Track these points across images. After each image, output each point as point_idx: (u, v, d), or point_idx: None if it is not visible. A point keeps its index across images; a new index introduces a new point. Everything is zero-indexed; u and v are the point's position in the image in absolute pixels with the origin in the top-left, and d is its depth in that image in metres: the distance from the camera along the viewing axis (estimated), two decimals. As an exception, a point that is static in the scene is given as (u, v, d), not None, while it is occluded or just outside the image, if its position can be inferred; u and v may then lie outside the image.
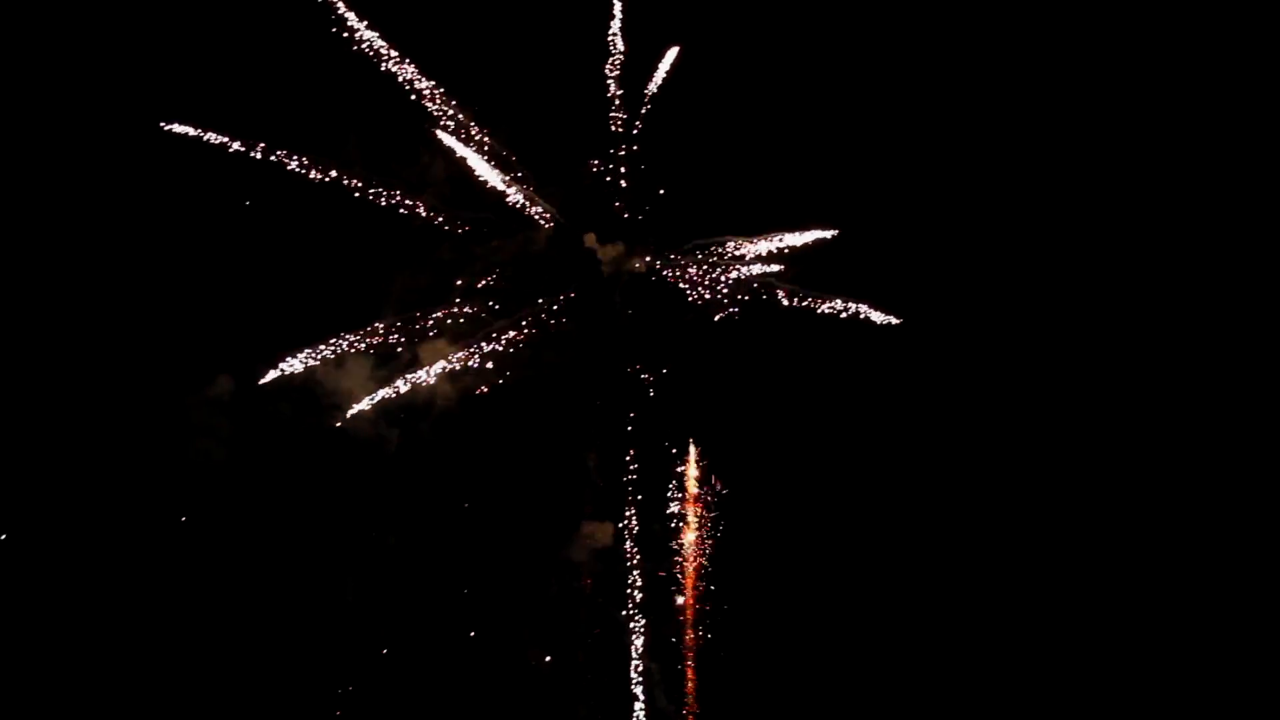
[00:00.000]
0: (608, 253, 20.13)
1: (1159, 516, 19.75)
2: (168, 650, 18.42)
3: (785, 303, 20.05)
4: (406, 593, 19.17)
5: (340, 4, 19.48)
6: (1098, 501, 19.94)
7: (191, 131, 19.06)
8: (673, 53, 20.14)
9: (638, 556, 19.43)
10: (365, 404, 19.12)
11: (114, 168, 19.35)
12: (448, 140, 19.57)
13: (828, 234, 19.98)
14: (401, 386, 19.25)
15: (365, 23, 19.52)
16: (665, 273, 20.38)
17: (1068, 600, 19.58)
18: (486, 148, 19.88)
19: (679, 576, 19.73)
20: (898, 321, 19.92)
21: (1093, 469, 20.07)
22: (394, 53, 19.63)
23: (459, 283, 19.91)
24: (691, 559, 19.77)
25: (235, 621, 18.55)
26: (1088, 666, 19.48)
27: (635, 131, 20.39)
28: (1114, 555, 19.77)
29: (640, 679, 19.02)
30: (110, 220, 19.42)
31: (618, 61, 20.18)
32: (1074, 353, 20.45)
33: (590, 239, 20.08)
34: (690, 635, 19.53)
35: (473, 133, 19.87)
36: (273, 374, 18.89)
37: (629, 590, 19.32)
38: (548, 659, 19.27)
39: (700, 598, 19.67)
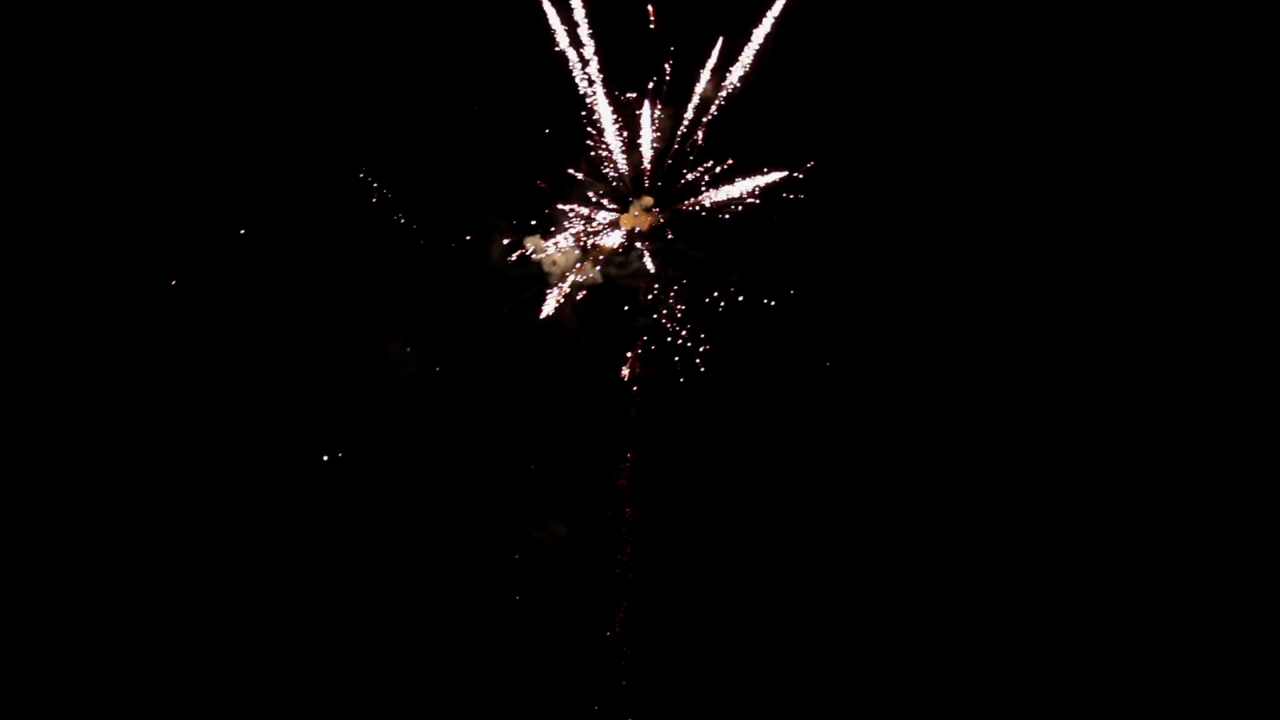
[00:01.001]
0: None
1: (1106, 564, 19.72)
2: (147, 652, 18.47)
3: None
4: (361, 596, 19.07)
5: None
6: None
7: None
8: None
9: (592, 557, 19.35)
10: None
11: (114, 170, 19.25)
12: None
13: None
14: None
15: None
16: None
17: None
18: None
19: (631, 576, 19.65)
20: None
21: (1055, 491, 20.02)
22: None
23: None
24: (642, 559, 19.67)
25: (197, 630, 18.52)
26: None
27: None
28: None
29: (594, 678, 19.01)
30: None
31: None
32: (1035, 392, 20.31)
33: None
34: (639, 633, 19.45)
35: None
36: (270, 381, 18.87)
37: (584, 592, 19.28)
38: (502, 659, 19.23)
39: (651, 599, 19.58)
